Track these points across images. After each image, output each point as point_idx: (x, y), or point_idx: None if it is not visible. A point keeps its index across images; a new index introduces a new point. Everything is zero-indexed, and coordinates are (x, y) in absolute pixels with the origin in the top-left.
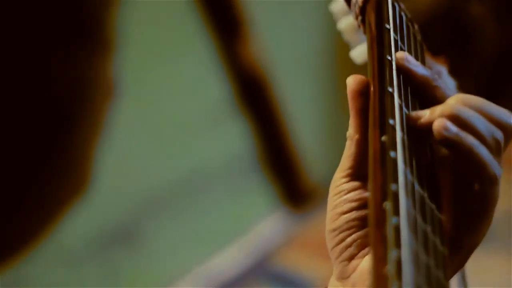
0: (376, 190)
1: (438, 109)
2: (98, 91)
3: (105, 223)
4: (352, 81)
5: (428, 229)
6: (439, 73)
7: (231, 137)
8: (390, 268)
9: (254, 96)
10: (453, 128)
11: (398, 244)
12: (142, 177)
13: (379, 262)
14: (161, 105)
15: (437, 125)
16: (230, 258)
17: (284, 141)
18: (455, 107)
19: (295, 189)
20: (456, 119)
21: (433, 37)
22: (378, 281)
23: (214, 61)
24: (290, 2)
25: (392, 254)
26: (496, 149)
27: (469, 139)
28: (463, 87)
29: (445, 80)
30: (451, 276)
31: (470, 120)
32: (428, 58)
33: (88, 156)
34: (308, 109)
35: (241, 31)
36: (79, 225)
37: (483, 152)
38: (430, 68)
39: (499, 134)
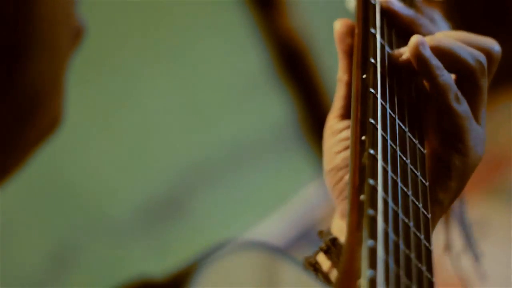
0: (356, 125)
1: None
2: (63, 27)
3: (151, 195)
4: (339, 25)
5: (408, 161)
6: (431, 17)
7: (272, 106)
8: (364, 197)
9: (293, 64)
10: (428, 50)
11: (374, 174)
12: (187, 149)
13: (356, 190)
14: (203, 77)
15: (414, 40)
16: (277, 226)
17: (324, 106)
18: (436, 38)
19: None
20: (436, 48)
21: (471, 10)
22: (353, 209)
23: (252, 31)
24: None
25: (367, 183)
26: (481, 71)
27: (434, 62)
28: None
29: (439, 24)
30: (448, 205)
31: (451, 48)
32: (421, 3)
33: (55, 93)
34: None
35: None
36: (125, 196)
37: (445, 76)
38: (421, 12)
39: (482, 57)
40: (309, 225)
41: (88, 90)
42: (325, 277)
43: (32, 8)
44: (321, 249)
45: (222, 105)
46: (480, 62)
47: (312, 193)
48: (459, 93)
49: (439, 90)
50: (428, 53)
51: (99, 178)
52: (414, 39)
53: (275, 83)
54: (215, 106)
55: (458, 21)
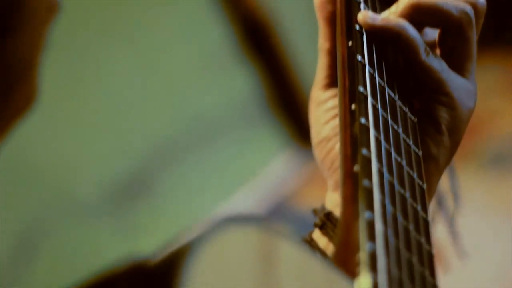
0: (345, 93)
1: (399, 3)
2: (39, 6)
3: (118, 174)
4: None
5: (400, 129)
6: None
7: (237, 81)
8: (359, 168)
9: (258, 38)
10: (376, 17)
11: (366, 143)
12: (153, 127)
13: (348, 160)
14: (166, 54)
15: (360, 17)
16: (247, 201)
17: (290, 78)
18: None
19: (304, 125)
20: (417, 6)
21: None
22: (346, 179)
23: (216, 5)
24: None
25: (360, 154)
26: (467, 22)
27: (394, 21)
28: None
29: None
30: (444, 163)
31: (433, 2)
32: None
33: (32, 70)
34: (313, 47)
35: None
36: (91, 177)
37: (410, 30)
38: None
39: (468, 8)
40: (279, 200)
41: (51, 70)
42: (322, 254)
43: None
44: (316, 225)
45: (187, 82)
46: (466, 13)
47: (280, 167)
48: (428, 48)
49: (406, 47)
50: (378, 21)
51: (63, 160)
52: (359, 16)
53: (240, 58)
54: (180, 83)
55: None
